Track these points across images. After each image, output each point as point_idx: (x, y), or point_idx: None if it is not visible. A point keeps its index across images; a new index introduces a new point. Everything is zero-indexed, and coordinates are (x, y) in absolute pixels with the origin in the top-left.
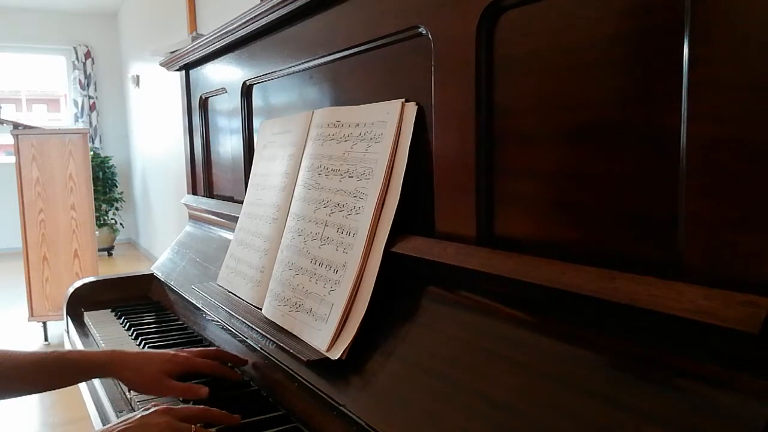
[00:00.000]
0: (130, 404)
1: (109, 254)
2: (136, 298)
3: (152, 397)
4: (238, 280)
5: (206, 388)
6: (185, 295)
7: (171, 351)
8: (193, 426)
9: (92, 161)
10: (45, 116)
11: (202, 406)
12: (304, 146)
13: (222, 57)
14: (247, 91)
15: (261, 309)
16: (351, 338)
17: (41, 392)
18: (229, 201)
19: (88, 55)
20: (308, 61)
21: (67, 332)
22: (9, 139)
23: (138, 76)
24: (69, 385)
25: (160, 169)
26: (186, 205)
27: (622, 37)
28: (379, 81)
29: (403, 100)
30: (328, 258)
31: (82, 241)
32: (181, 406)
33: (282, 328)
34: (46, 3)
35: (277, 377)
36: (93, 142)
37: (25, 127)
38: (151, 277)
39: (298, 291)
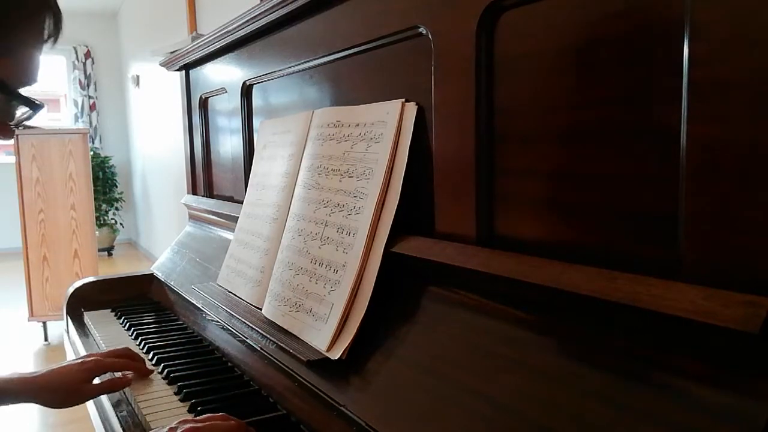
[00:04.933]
0: (130, 404)
1: (109, 254)
2: (136, 298)
3: (149, 392)
4: (238, 280)
5: (126, 378)
6: (185, 295)
7: (77, 360)
8: None
9: (92, 161)
10: (45, 116)
11: (235, 423)
12: (304, 146)
13: (222, 57)
14: (247, 91)
15: (261, 309)
16: (351, 338)
17: None
18: (229, 201)
19: (88, 55)
20: (308, 61)
21: (67, 332)
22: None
23: (138, 76)
24: None
25: (160, 169)
26: (186, 205)
27: (622, 37)
28: (379, 81)
29: (403, 100)
30: (328, 258)
31: (82, 241)
32: (210, 423)
33: (282, 328)
34: None
35: (277, 377)
36: (93, 142)
37: (25, 127)
38: (151, 277)
39: (298, 291)
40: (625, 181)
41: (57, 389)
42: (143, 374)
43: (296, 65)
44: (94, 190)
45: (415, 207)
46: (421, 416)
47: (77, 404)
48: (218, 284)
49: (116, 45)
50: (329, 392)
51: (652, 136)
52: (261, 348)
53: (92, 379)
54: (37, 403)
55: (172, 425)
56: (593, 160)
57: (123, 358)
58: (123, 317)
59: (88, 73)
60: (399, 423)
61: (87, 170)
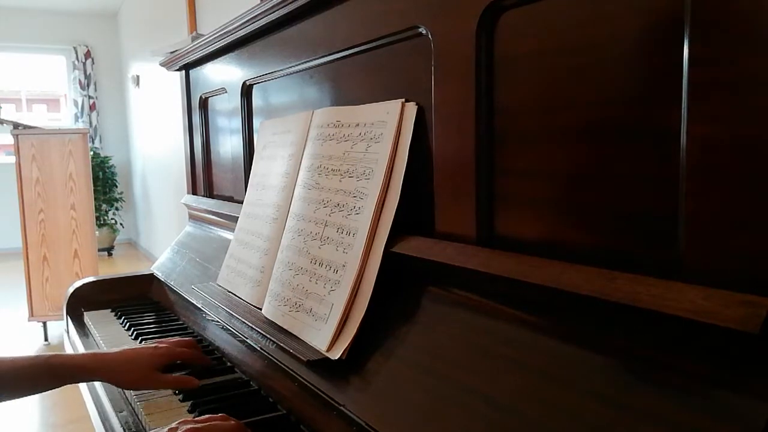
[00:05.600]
0: (130, 404)
1: (109, 254)
2: (136, 298)
3: (149, 392)
4: (238, 280)
5: (197, 380)
6: (185, 295)
7: (150, 344)
8: None
9: (92, 161)
10: (45, 116)
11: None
12: (304, 146)
13: (222, 57)
14: (247, 91)
15: (261, 309)
16: (351, 338)
17: (23, 397)
18: (229, 201)
19: (88, 55)
20: (308, 61)
21: (67, 332)
22: (9, 139)
23: (138, 76)
24: (51, 389)
25: (160, 169)
26: (186, 205)
27: (622, 37)
28: (379, 81)
29: (403, 100)
30: (328, 258)
31: (82, 241)
32: (210, 423)
33: (282, 328)
34: (46, 3)
35: (277, 377)
36: (93, 142)
37: (25, 127)
38: (151, 277)
39: (298, 291)
40: (625, 181)
41: (129, 370)
42: (207, 366)
43: (296, 65)
44: (94, 190)
45: (415, 207)
46: (421, 416)
47: (146, 389)
48: (218, 284)
49: (116, 45)
50: (329, 392)
51: (652, 136)
52: (261, 348)
53: (163, 366)
54: (108, 382)
55: (172, 425)
56: (593, 160)
57: (190, 348)
58: (123, 317)
59: (88, 73)
60: (399, 423)
61: (87, 170)
